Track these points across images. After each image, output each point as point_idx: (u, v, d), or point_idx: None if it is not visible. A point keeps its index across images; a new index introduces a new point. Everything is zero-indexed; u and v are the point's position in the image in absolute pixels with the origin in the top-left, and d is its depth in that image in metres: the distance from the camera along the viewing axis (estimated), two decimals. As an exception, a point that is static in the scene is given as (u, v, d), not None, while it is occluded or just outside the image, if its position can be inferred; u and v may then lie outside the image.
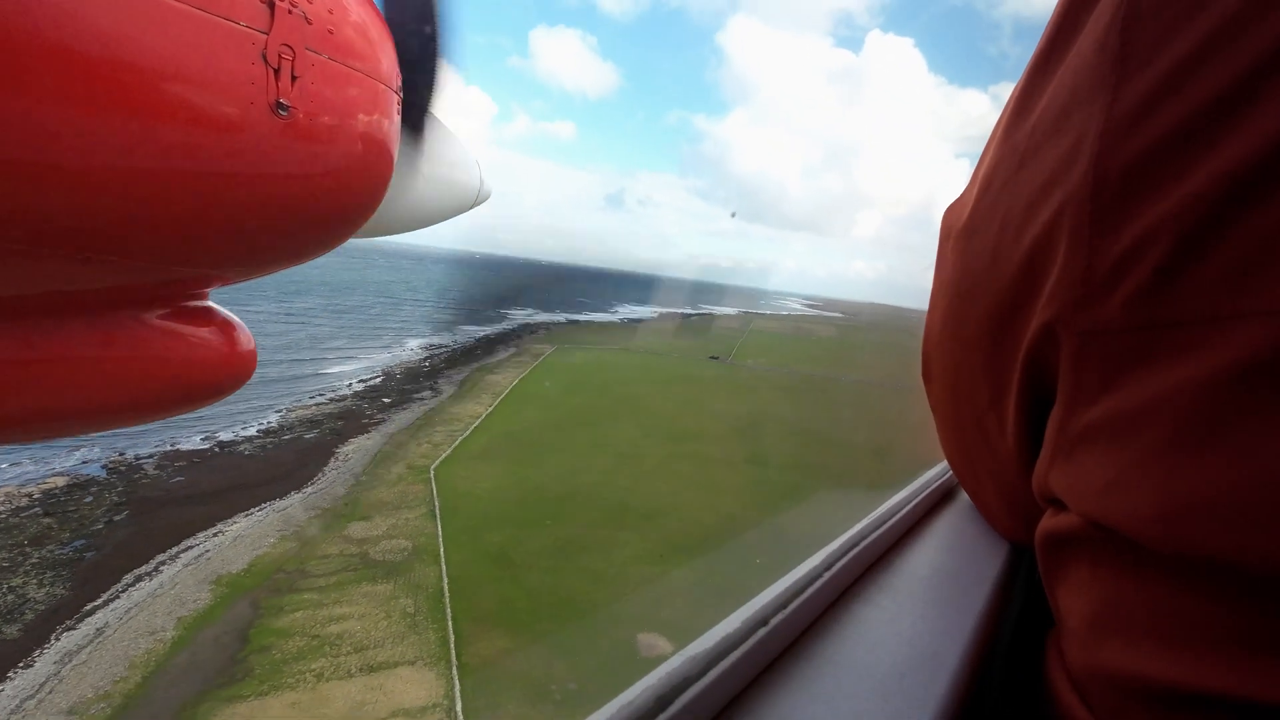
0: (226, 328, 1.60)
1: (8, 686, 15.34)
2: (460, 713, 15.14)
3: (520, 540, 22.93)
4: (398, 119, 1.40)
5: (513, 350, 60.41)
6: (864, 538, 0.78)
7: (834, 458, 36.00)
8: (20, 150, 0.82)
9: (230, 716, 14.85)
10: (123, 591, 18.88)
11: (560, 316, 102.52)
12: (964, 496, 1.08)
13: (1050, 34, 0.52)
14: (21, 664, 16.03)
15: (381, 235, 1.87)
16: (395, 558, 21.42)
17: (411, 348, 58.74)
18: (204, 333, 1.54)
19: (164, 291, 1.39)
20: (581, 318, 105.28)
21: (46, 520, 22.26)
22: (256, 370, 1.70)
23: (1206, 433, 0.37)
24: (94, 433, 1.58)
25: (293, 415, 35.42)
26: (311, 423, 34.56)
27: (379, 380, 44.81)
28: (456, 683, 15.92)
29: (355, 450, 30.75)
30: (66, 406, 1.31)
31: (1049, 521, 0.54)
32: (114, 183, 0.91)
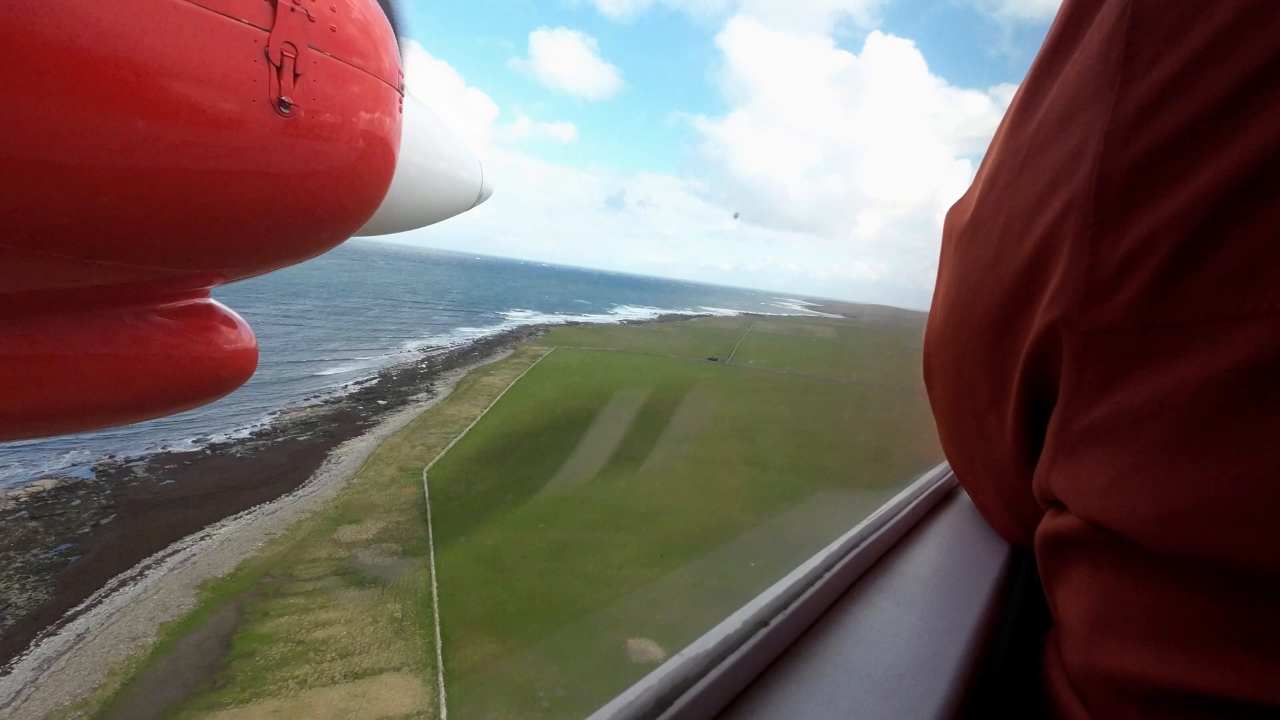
0: (227, 324, 1.62)
1: (-16, 694, 15.03)
2: (445, 720, 14.81)
3: (513, 543, 22.60)
4: (400, 117, 1.39)
5: (510, 352, 60.12)
6: (864, 538, 0.78)
7: (833, 459, 35.71)
8: (21, 148, 0.82)
9: (210, 725, 14.52)
10: (106, 596, 18.54)
11: (559, 318, 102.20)
12: (964, 497, 1.08)
13: (1055, 34, 0.52)
14: None
15: (384, 233, 1.87)
16: (384, 561, 21.08)
17: (409, 349, 58.54)
18: (205, 330, 1.56)
19: (165, 289, 1.39)
20: (580, 319, 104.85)
21: (32, 524, 21.94)
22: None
23: (1208, 433, 0.37)
24: (96, 430, 1.57)
25: (286, 417, 35.15)
26: (305, 425, 34.29)
27: (375, 382, 44.55)
28: (442, 689, 15.57)
29: (348, 452, 30.44)
30: (69, 403, 1.31)
31: (1049, 522, 0.54)
32: (115, 180, 0.91)
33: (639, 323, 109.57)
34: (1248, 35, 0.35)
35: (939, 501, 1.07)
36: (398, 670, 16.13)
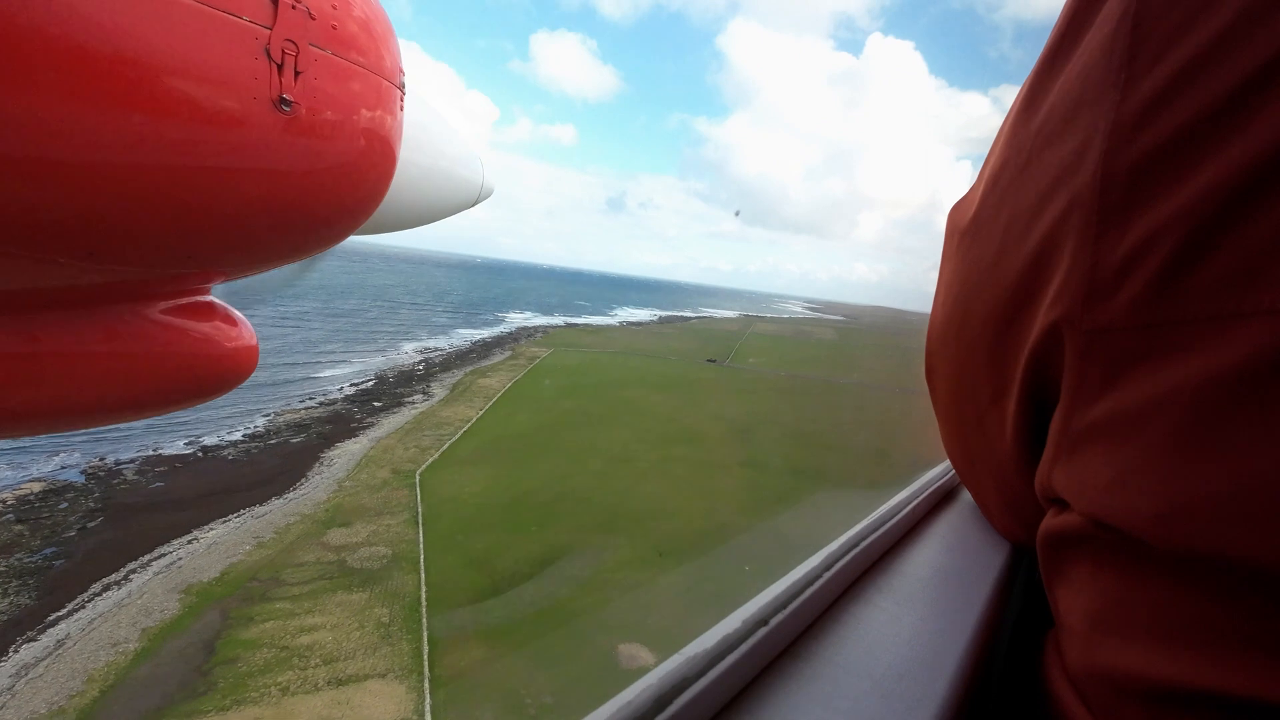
0: (228, 322, 1.63)
1: (-39, 702, 14.73)
2: (430, 728, 14.47)
3: (505, 546, 22.28)
4: (401, 115, 1.38)
5: (508, 353, 59.92)
6: (864, 538, 0.78)
7: (832, 460, 35.38)
8: (22, 146, 0.82)
9: (190, 733, 14.20)
10: (89, 601, 18.25)
11: (558, 319, 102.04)
12: (965, 496, 1.08)
13: (1058, 33, 0.52)
14: (-23, 678, 15.43)
15: (385, 231, 1.84)
16: (373, 565, 20.75)
17: (406, 351, 58.40)
18: (206, 327, 1.56)
19: (166, 286, 1.40)
20: (580, 321, 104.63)
21: (18, 527, 21.68)
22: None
23: (1210, 431, 0.37)
24: (99, 426, 1.55)
25: (280, 419, 34.89)
26: (299, 427, 34.02)
27: (371, 384, 44.35)
28: (427, 696, 15.24)
29: (341, 455, 30.15)
30: (70, 400, 1.31)
31: (1051, 521, 0.55)
32: (116, 178, 0.91)
33: (638, 324, 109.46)
34: (1249, 34, 0.35)
35: (940, 501, 1.06)
36: (383, 676, 15.80)
